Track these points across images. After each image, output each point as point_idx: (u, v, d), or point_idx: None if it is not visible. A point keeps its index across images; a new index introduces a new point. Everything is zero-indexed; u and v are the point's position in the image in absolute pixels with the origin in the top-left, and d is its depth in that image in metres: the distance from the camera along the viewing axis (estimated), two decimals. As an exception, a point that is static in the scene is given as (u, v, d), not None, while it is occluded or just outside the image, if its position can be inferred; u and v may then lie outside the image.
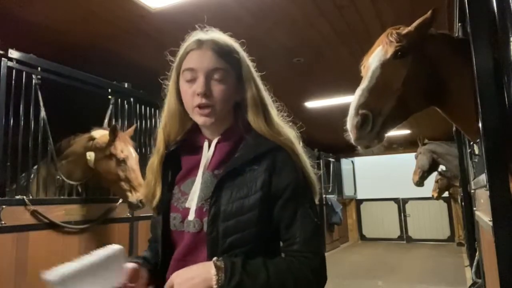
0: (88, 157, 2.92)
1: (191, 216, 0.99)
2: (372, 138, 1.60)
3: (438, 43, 1.67)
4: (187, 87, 1.02)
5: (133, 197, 2.85)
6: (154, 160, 1.09)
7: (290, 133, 1.07)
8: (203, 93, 0.99)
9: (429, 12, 1.65)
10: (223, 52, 1.03)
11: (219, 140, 1.06)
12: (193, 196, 1.01)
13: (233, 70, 1.05)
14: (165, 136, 1.09)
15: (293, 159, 1.01)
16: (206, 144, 1.07)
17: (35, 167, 2.94)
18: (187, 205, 1.01)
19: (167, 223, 1.03)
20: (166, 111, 1.10)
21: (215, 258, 0.89)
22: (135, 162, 2.95)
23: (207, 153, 1.06)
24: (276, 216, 0.98)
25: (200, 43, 1.03)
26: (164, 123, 1.10)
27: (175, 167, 1.09)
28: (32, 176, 2.90)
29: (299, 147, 1.06)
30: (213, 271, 0.86)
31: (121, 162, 2.88)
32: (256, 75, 1.10)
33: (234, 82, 1.05)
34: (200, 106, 1.00)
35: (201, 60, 1.01)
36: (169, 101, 1.09)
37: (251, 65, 1.10)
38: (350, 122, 1.62)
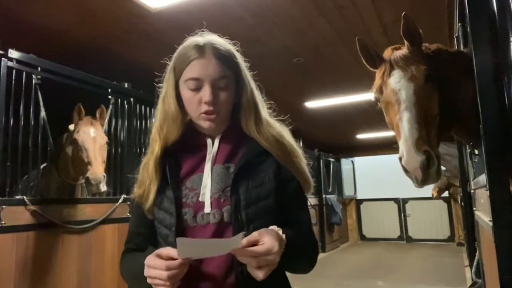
0: (67, 151, 2.93)
1: (208, 209, 1.02)
2: (438, 176, 1.45)
3: (439, 61, 1.59)
4: (192, 95, 1.04)
5: (87, 174, 2.74)
6: (149, 161, 1.09)
7: (280, 128, 1.13)
8: (211, 102, 1.02)
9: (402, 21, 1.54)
10: (225, 59, 1.05)
11: (222, 137, 1.11)
12: (204, 190, 1.04)
13: (233, 76, 1.08)
14: (161, 138, 1.10)
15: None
16: (209, 141, 1.11)
17: (41, 166, 2.96)
18: (200, 199, 1.03)
19: (180, 221, 1.02)
20: (163, 113, 1.10)
21: (278, 228, 0.95)
22: (89, 141, 2.84)
23: (212, 149, 1.09)
24: (286, 202, 1.07)
25: (201, 51, 1.04)
26: (159, 125, 1.10)
27: (173, 167, 1.09)
28: (38, 176, 2.92)
29: (289, 143, 1.11)
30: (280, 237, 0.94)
31: (74, 142, 2.84)
32: (249, 75, 1.12)
33: (234, 87, 1.09)
34: (206, 112, 1.04)
35: (206, 69, 1.03)
36: (167, 105, 1.09)
37: (245, 65, 1.13)
38: (411, 161, 1.44)
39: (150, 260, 0.91)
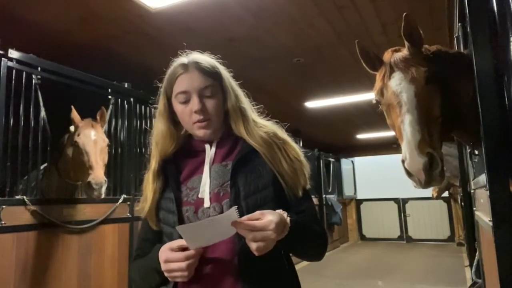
0: (68, 152, 2.93)
1: (207, 204, 1.08)
2: (442, 178, 1.45)
3: (439, 62, 1.59)
4: (183, 108, 1.14)
5: (88, 179, 2.71)
6: (149, 177, 1.19)
7: (271, 127, 1.19)
8: (200, 110, 1.11)
9: (404, 22, 1.53)
10: (207, 70, 1.15)
11: (219, 141, 1.19)
12: (204, 188, 1.11)
13: (218, 84, 1.17)
14: (157, 153, 1.19)
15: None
16: (207, 146, 1.18)
17: (42, 167, 2.96)
18: (200, 195, 1.10)
19: (182, 218, 1.09)
20: (157, 131, 1.20)
21: (283, 212, 0.98)
22: (90, 145, 2.81)
23: (210, 151, 1.17)
24: (286, 193, 1.11)
25: (185, 67, 1.15)
26: (155, 142, 1.20)
27: (173, 171, 1.18)
28: (40, 176, 2.92)
29: (280, 140, 1.16)
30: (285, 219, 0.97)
31: (75, 145, 2.82)
32: (234, 83, 1.22)
33: (221, 95, 1.17)
34: (198, 121, 1.13)
35: (191, 82, 1.13)
36: (160, 123, 1.20)
37: (229, 75, 1.21)
38: (414, 164, 1.43)
39: (167, 254, 0.98)
